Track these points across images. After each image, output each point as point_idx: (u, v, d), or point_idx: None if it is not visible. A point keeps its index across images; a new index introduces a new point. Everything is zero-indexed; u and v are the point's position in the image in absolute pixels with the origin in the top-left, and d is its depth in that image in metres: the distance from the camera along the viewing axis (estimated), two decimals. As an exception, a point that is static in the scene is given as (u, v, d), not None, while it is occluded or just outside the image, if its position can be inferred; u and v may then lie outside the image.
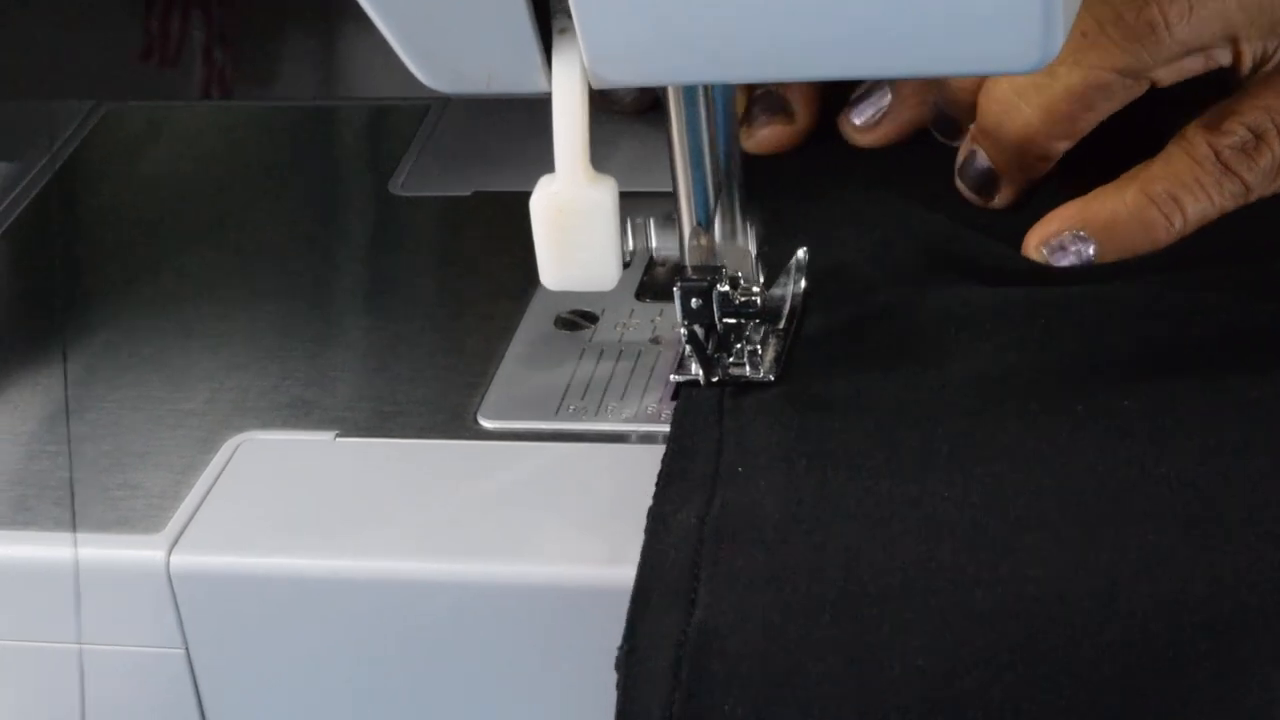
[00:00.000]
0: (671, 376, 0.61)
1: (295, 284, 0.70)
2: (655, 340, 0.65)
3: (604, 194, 0.55)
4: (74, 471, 0.62)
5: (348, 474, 0.61)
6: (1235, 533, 0.53)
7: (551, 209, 0.55)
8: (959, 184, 0.69)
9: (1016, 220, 0.67)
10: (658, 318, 0.65)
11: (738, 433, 0.58)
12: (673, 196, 0.61)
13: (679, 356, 0.62)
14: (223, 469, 0.61)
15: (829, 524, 0.55)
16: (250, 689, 0.59)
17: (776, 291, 0.64)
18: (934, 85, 0.70)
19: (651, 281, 0.67)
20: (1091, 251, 0.65)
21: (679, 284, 0.60)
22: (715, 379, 0.60)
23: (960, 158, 0.69)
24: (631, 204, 0.58)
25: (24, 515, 0.60)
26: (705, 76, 0.55)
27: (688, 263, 0.61)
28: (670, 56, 0.53)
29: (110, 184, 0.79)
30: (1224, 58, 0.65)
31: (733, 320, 0.61)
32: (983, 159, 0.68)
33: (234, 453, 0.62)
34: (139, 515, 0.60)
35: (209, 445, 0.62)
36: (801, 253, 0.65)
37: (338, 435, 0.62)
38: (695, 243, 0.61)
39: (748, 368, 0.60)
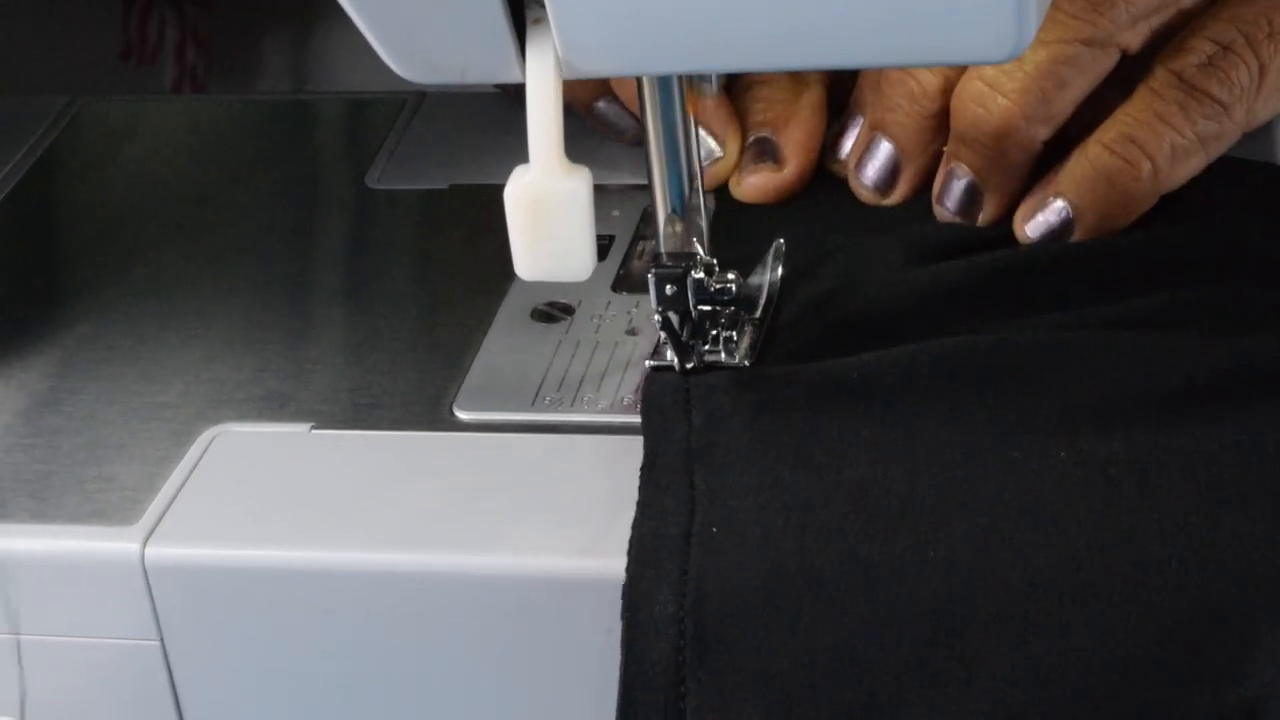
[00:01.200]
0: (647, 362, 0.61)
1: (271, 277, 0.70)
2: (632, 332, 0.65)
3: (578, 184, 0.55)
4: (49, 464, 0.62)
5: (323, 466, 0.61)
6: (1234, 588, 0.51)
7: (526, 199, 0.55)
8: (938, 210, 0.66)
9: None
10: (634, 309, 0.65)
11: (708, 495, 0.56)
12: (648, 185, 0.61)
13: (655, 344, 0.62)
14: (198, 461, 0.61)
15: (813, 610, 0.53)
16: (226, 681, 0.59)
17: (753, 280, 0.64)
18: (937, 128, 0.67)
19: (628, 274, 0.67)
20: (1068, 212, 0.63)
21: (653, 271, 0.60)
22: (690, 365, 0.60)
23: (938, 182, 0.66)
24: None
25: (-1, 509, 0.60)
26: (678, 66, 0.55)
27: (663, 250, 0.61)
28: (643, 46, 0.53)
29: (86, 178, 0.78)
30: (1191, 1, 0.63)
31: (708, 307, 0.61)
32: (963, 172, 0.65)
33: (209, 445, 0.62)
34: (114, 507, 0.60)
35: (184, 437, 0.62)
36: (779, 242, 0.65)
37: (313, 427, 0.62)
38: (670, 230, 0.61)
39: (723, 354, 0.60)
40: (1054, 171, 0.64)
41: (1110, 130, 0.63)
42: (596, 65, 0.54)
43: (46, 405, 0.65)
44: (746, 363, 0.60)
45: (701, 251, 0.61)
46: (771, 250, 0.65)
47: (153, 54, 1.01)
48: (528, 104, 0.54)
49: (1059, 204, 0.63)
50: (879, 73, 0.67)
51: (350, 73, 0.96)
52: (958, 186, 0.65)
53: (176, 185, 0.77)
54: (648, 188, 0.61)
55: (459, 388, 0.63)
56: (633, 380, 0.62)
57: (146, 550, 0.58)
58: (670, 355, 0.60)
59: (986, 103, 0.64)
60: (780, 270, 0.64)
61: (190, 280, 0.70)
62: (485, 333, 0.65)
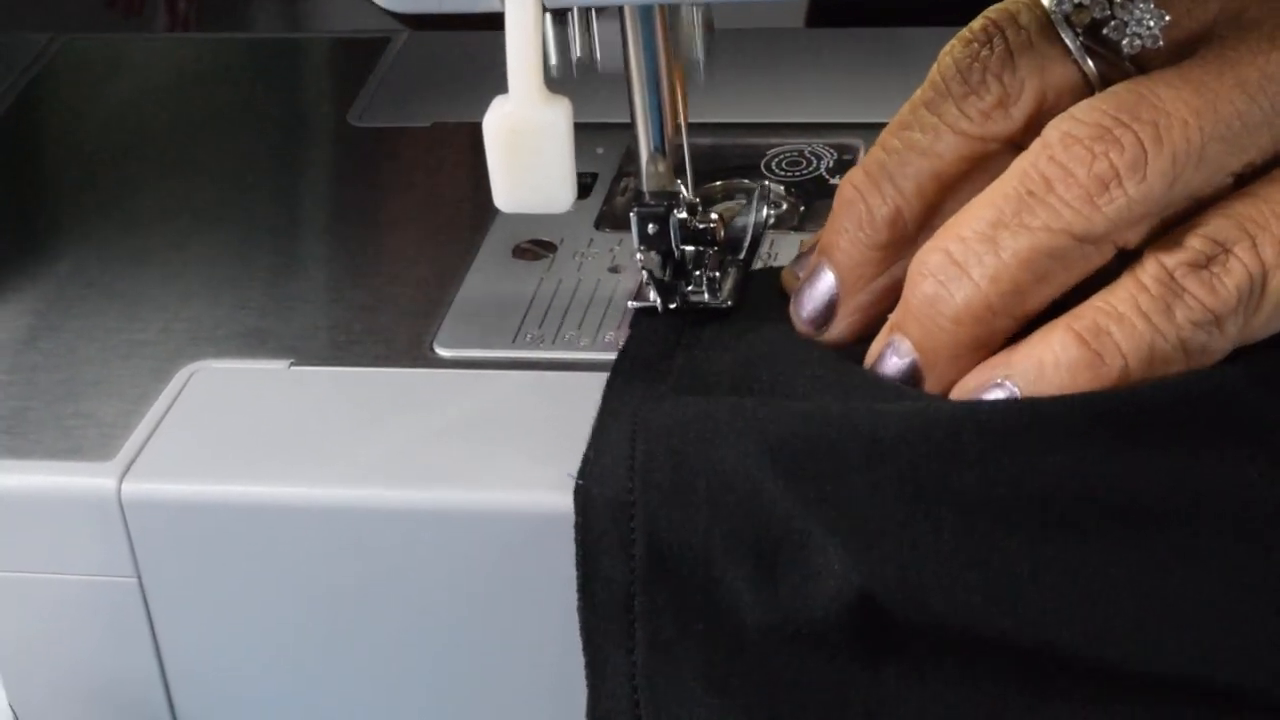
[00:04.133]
0: (629, 302, 0.61)
1: (252, 214, 0.70)
2: (614, 269, 0.64)
3: (557, 114, 0.54)
4: (26, 401, 0.61)
5: (302, 402, 0.60)
6: None
7: (504, 129, 0.54)
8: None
9: None
10: (616, 247, 0.65)
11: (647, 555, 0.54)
12: (629, 123, 0.60)
13: (638, 285, 0.62)
14: (176, 397, 0.61)
15: None
16: (203, 617, 0.59)
17: (738, 221, 0.63)
18: (882, 263, 0.57)
19: (611, 211, 0.67)
20: (1017, 395, 0.53)
21: (635, 209, 0.59)
22: (673, 305, 0.60)
23: (874, 348, 0.56)
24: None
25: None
26: (660, -4, 0.55)
27: (645, 188, 0.60)
28: (626, -25, 0.52)
29: (67, 115, 0.78)
30: (1218, 185, 0.53)
31: (691, 248, 0.60)
32: (905, 350, 0.55)
33: (187, 381, 0.61)
34: (91, 444, 0.59)
35: (163, 374, 0.62)
36: (764, 183, 0.64)
37: (292, 364, 0.62)
38: (652, 168, 0.60)
39: (706, 295, 0.60)
40: (1009, 348, 0.54)
41: (1084, 317, 0.52)
42: (577, -6, 0.53)
43: (24, 342, 0.64)
44: (729, 303, 0.60)
45: (684, 191, 0.61)
46: (756, 191, 0.64)
47: (139, 5, 1.01)
48: (507, 33, 0.53)
49: (1007, 387, 0.53)
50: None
51: (334, 12, 0.96)
52: (895, 363, 0.55)
53: (157, 123, 0.77)
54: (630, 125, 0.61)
55: (439, 324, 0.63)
56: (614, 318, 0.62)
57: (123, 486, 0.58)
58: (653, 295, 0.60)
59: (949, 281, 0.54)
60: (765, 211, 0.64)
61: (170, 217, 0.70)
62: (466, 270, 0.65)
